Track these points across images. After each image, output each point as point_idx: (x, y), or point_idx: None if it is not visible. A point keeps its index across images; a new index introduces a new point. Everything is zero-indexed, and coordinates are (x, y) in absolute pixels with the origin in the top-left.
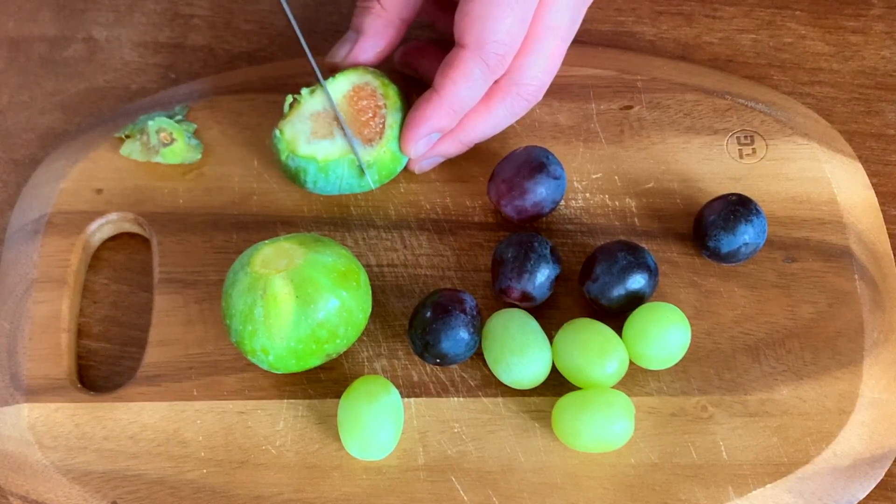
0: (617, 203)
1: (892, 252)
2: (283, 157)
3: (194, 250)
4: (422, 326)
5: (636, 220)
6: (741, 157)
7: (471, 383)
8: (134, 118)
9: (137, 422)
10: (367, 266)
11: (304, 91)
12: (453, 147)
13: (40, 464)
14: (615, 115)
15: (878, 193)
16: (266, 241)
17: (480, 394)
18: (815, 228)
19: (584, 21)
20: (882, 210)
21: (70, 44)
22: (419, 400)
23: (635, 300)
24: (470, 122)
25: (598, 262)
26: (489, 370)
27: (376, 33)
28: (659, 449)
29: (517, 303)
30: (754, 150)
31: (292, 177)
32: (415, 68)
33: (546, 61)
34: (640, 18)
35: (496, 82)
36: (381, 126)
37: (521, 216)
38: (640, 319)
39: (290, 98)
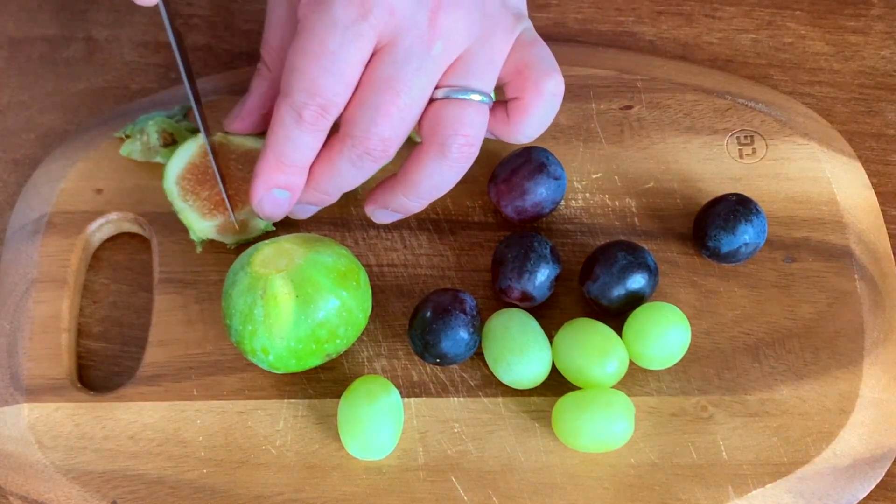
0: (617, 203)
1: (892, 252)
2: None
3: (194, 250)
4: (422, 326)
5: (636, 220)
6: (741, 157)
7: (471, 383)
8: (134, 118)
9: (137, 422)
10: (367, 266)
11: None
12: (312, 196)
13: (40, 464)
14: (615, 115)
15: (878, 193)
16: (266, 241)
17: (480, 394)
18: (815, 228)
19: (584, 21)
20: (882, 210)
21: (70, 44)
22: (419, 400)
23: (635, 300)
24: (317, 172)
25: (598, 262)
26: (489, 370)
27: (262, 94)
28: (659, 449)
29: (517, 303)
30: (754, 150)
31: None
32: None
33: (375, 114)
34: (640, 18)
35: (336, 135)
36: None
37: (521, 217)
38: (640, 319)
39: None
